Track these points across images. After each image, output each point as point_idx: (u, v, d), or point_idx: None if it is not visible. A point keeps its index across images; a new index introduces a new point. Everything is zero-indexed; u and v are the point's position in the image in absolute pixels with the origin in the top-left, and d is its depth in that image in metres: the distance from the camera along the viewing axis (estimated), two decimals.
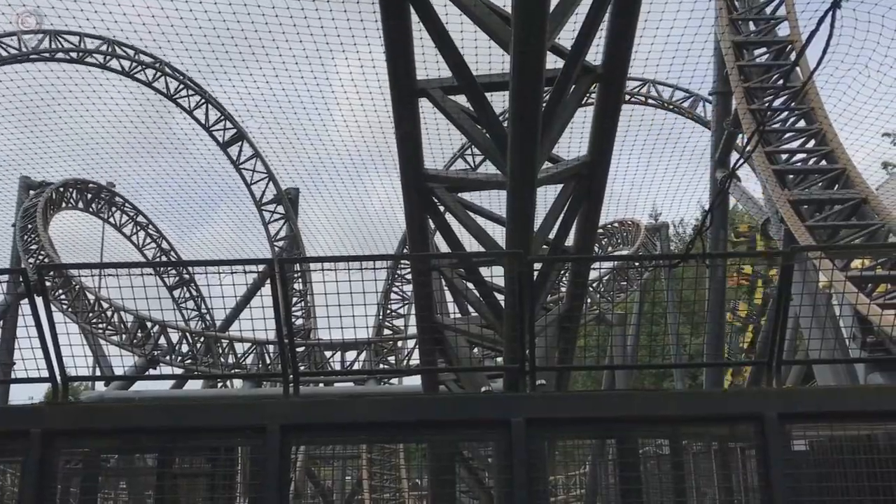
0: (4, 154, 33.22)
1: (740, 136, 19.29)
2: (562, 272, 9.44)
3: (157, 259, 37.86)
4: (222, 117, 33.30)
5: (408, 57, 6.79)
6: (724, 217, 20.48)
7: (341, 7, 22.06)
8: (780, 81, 17.67)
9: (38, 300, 6.41)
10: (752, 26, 19.75)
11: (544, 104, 6.45)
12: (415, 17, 6.25)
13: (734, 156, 20.18)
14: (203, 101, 32.84)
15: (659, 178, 33.75)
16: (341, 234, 38.25)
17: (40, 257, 27.91)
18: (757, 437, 5.75)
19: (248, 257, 30.67)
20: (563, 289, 12.97)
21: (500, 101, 9.31)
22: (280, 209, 34.74)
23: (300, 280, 31.96)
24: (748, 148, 12.33)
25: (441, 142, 27.69)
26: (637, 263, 26.29)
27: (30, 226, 29.36)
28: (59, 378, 6.33)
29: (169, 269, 35.76)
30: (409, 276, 33.55)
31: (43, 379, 6.38)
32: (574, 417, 5.97)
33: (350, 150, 33.27)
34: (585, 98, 7.82)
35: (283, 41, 24.27)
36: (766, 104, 17.12)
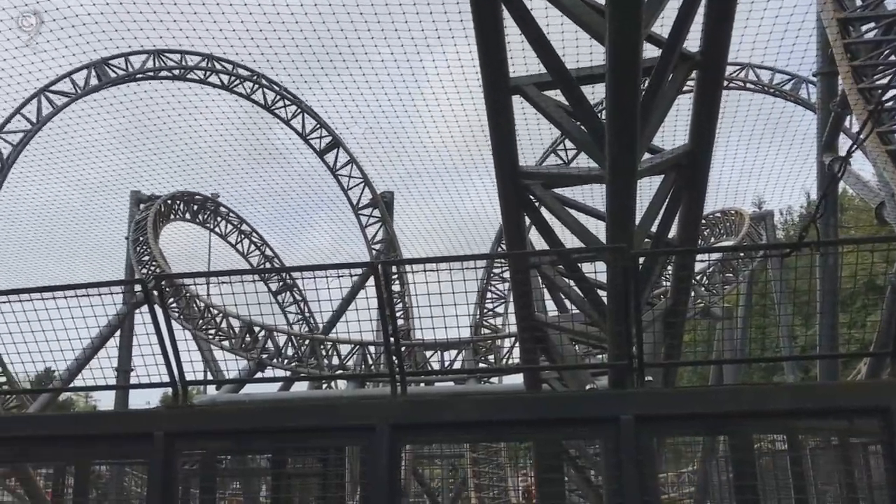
0: (116, 170, 34.99)
1: (848, 117, 18.41)
2: (665, 266, 9.23)
3: (262, 266, 39.05)
4: (318, 125, 34.08)
5: (501, 55, 6.78)
6: (834, 203, 19.61)
7: (427, 8, 22.18)
8: (893, 57, 16.75)
9: (157, 309, 6.71)
10: (857, 0, 18.81)
11: (642, 94, 6.33)
12: (506, 14, 6.25)
13: (842, 138, 19.28)
14: (299, 110, 33.71)
15: (760, 164, 32.66)
16: (435, 234, 38.57)
17: (152, 267, 29.23)
18: (883, 431, 5.47)
19: (347, 261, 31.23)
20: (666, 283, 12.71)
21: (595, 94, 9.22)
22: (376, 213, 35.30)
23: (398, 281, 32.41)
24: (861, 132, 11.73)
25: (531, 138, 27.56)
26: (742, 254, 25.40)
27: (141, 238, 30.79)
28: (178, 382, 6.60)
29: (273, 274, 36.83)
30: (504, 275, 33.55)
31: (164, 384, 6.67)
32: (684, 414, 5.83)
33: (441, 152, 33.54)
34: (684, 86, 7.62)
35: (373, 46, 24.65)
36: (878, 82, 16.26)
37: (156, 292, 7.07)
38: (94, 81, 29.64)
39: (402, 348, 25.29)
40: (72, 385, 23.40)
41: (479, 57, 6.88)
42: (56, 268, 41.07)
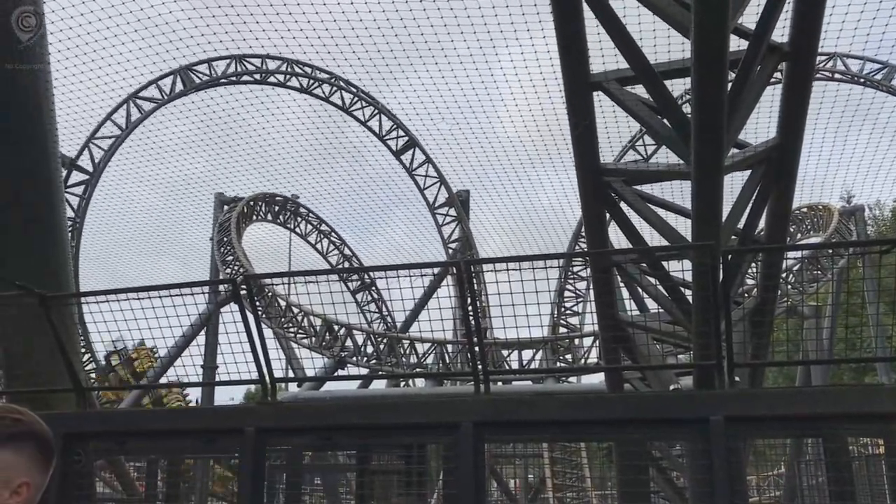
0: (201, 173, 36.09)
1: None
2: (752, 263, 9.00)
3: (340, 265, 39.66)
4: (395, 126, 34.42)
5: (582, 51, 6.73)
6: None
7: (503, 1, 22.05)
8: None
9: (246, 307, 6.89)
10: None
11: (728, 87, 6.19)
12: (586, 8, 6.21)
13: None
14: (376, 111, 34.10)
15: (848, 157, 31.47)
16: (511, 232, 38.49)
17: (235, 267, 30.02)
18: None
19: (422, 260, 31.44)
20: (750, 281, 12.38)
21: (679, 87, 9.03)
22: (452, 212, 35.42)
23: (475, 280, 32.44)
24: None
25: (609, 135, 27.18)
26: (831, 251, 24.53)
27: (225, 239, 31.65)
28: (267, 379, 6.77)
29: (353, 274, 37.37)
30: (582, 274, 33.22)
31: (253, 381, 6.85)
32: (776, 415, 5.67)
33: (517, 148, 33.42)
34: (771, 78, 7.42)
35: (449, 41, 24.62)
36: None
37: (244, 291, 7.27)
38: (179, 87, 30.65)
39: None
40: (161, 381, 24.21)
41: (559, 55, 6.84)
42: (140, 268, 42.67)
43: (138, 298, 6.91)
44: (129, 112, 30.41)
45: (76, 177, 29.73)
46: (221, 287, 25.97)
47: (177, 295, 6.78)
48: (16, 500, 1.94)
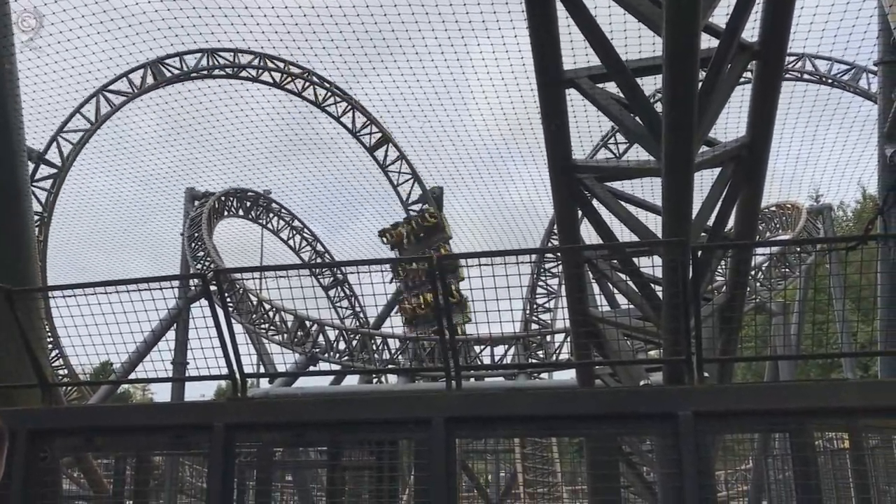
0: (171, 167, 35.66)
1: None
2: (721, 260, 9.09)
3: (313, 261, 39.45)
4: (368, 122, 34.29)
5: (554, 47, 6.75)
6: None
7: None
8: None
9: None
10: None
11: (699, 85, 6.24)
12: (559, 5, 6.22)
13: None
14: (349, 107, 33.95)
15: (815, 156, 31.85)
16: (484, 229, 38.50)
17: (206, 263, 29.75)
18: None
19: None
20: (720, 278, 12.49)
21: (650, 86, 9.10)
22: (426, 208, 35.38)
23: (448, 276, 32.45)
24: None
25: (580, 132, 27.25)
26: (800, 249, 24.86)
27: (196, 234, 31.34)
28: (237, 375, 6.72)
29: (325, 270, 37.20)
30: (554, 270, 33.36)
31: (223, 376, 6.79)
32: (744, 410, 5.74)
33: (489, 144, 33.31)
34: (741, 77, 7.49)
35: (420, 37, 24.42)
36: None
37: (214, 287, 7.20)
38: (150, 81, 30.27)
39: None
40: (130, 377, 23.96)
41: (531, 51, 6.85)
42: (109, 263, 42.13)
43: (106, 293, 6.82)
44: (99, 106, 29.98)
45: (44, 171, 29.26)
46: (192, 282, 25.74)
47: (146, 290, 6.71)
48: None
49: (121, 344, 7.39)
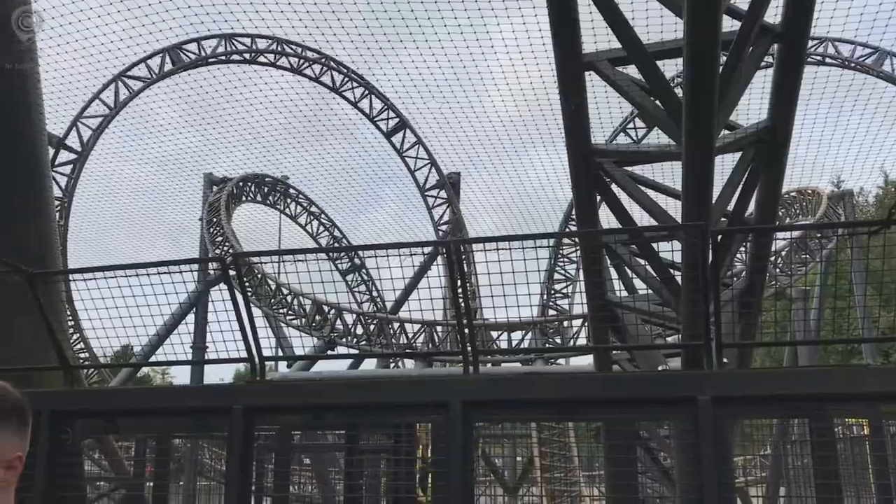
0: (190, 153, 35.83)
1: None
2: (741, 245, 9.02)
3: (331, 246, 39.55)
4: (385, 107, 34.25)
5: (574, 30, 6.70)
6: None
7: None
8: None
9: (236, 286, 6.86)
10: None
11: (720, 69, 6.17)
12: None
13: None
14: (367, 92, 33.91)
15: (837, 141, 31.52)
16: (502, 213, 38.45)
17: (225, 248, 29.90)
18: None
19: (413, 241, 31.41)
20: (739, 264, 12.40)
21: (670, 69, 9.01)
22: (443, 194, 35.35)
23: (465, 261, 32.41)
24: None
25: (600, 117, 27.10)
26: (819, 234, 24.63)
27: (214, 219, 31.50)
28: (256, 358, 6.75)
29: (343, 256, 37.30)
30: (572, 256, 33.28)
31: (242, 359, 6.83)
32: (764, 395, 5.70)
33: (508, 128, 33.11)
34: (763, 60, 7.40)
35: (439, 18, 24.39)
36: None
37: (233, 270, 7.24)
38: (168, 66, 30.36)
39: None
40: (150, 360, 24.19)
41: (551, 34, 6.81)
42: (129, 247, 42.49)
43: (126, 276, 6.86)
44: (118, 91, 30.13)
45: (64, 156, 29.47)
46: (211, 267, 25.89)
47: (165, 273, 6.75)
48: (12, 475, 1.95)
49: (140, 327, 7.44)
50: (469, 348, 6.33)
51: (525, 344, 26.79)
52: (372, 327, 27.80)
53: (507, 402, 6.15)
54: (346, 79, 33.53)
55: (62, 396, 7.16)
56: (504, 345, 26.41)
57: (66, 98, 29.18)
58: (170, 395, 7.53)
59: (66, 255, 26.72)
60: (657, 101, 7.05)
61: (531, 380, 6.27)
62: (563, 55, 6.85)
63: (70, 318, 19.61)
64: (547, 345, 26.67)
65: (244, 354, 6.83)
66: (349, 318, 28.01)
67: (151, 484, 8.42)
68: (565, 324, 27.70)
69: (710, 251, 6.03)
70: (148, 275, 6.80)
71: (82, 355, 26.57)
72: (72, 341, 24.55)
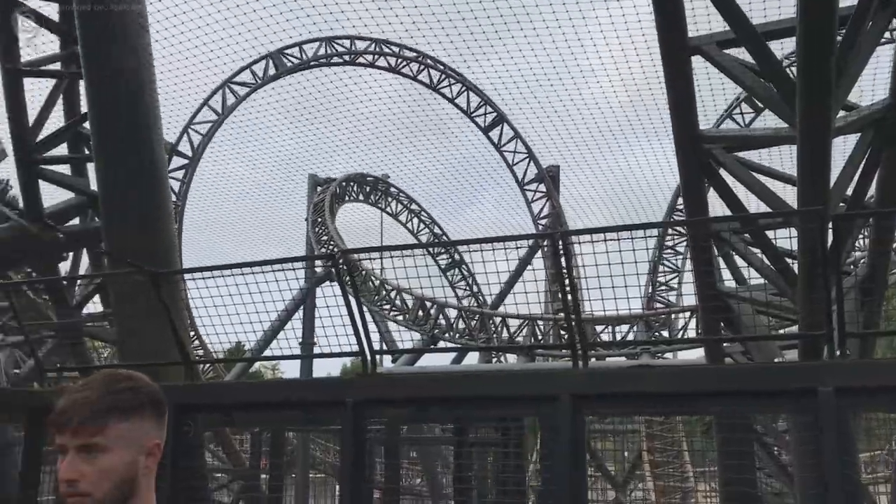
0: (294, 155, 36.87)
1: None
2: (862, 230, 8.59)
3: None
4: (483, 102, 34.30)
5: (679, 13, 6.53)
6: None
7: None
8: None
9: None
10: None
11: (837, 46, 5.89)
12: None
13: None
14: (464, 88, 34.06)
15: None
16: (603, 206, 37.88)
17: (330, 246, 30.64)
18: None
19: (515, 234, 31.47)
20: (856, 253, 11.80)
21: (776, 51, 8.65)
22: (542, 188, 35.13)
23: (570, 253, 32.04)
24: None
25: (703, 104, 26.32)
26: None
27: (319, 219, 32.32)
28: (368, 352, 6.89)
29: (442, 252, 37.59)
30: (678, 248, 32.49)
31: (354, 353, 6.98)
32: (891, 387, 5.42)
33: (609, 119, 32.61)
34: (884, 34, 7.03)
35: (536, 9, 24.24)
36: None
37: (343, 267, 7.40)
38: (272, 71, 31.32)
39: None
40: (263, 355, 25.06)
41: (655, 18, 6.65)
42: (237, 247, 44.07)
43: (242, 274, 7.12)
44: (225, 97, 31.29)
45: (176, 161, 30.84)
46: (318, 265, 26.54)
47: (279, 270, 6.96)
48: (152, 462, 2.06)
49: (250, 324, 7.68)
50: (577, 342, 6.28)
51: (630, 338, 26.33)
52: (474, 322, 27.91)
53: (617, 396, 6.05)
54: (444, 76, 33.77)
55: (185, 391, 7.48)
56: (607, 339, 26.03)
57: (175, 106, 30.55)
58: (283, 389, 7.75)
59: (181, 256, 27.95)
60: (769, 83, 6.79)
61: (642, 373, 6.15)
62: (666, 40, 6.68)
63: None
64: (653, 338, 26.13)
65: (355, 349, 6.98)
66: (451, 314, 28.22)
67: (266, 476, 8.71)
68: (672, 317, 27.07)
69: (830, 236, 5.77)
70: (263, 273, 7.03)
71: (198, 352, 27.77)
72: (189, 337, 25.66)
